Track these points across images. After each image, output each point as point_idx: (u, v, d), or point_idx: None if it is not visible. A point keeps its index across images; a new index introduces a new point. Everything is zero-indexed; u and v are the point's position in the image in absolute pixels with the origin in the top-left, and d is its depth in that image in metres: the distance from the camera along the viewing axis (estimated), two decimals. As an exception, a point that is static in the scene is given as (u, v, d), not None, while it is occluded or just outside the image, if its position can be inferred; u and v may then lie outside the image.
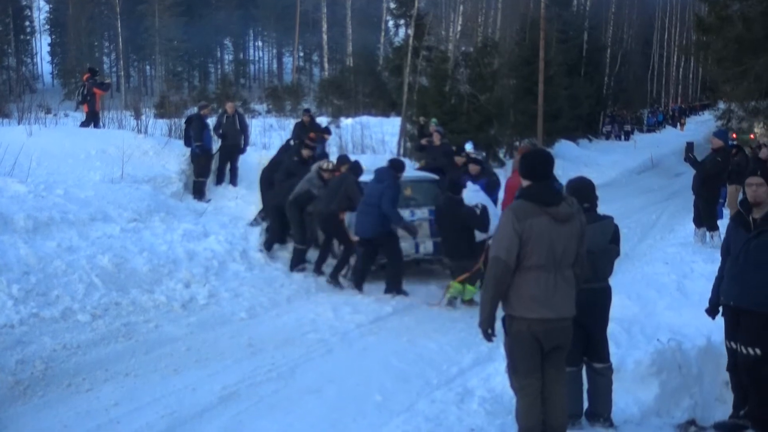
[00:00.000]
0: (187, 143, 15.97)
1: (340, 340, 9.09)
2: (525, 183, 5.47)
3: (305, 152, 13.52)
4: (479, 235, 10.88)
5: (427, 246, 12.16)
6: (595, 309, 6.15)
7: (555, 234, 5.28)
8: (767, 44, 21.13)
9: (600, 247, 6.14)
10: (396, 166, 11.60)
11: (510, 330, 5.43)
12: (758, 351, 6.10)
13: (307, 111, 20.47)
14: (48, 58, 76.06)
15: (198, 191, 15.32)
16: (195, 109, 18.41)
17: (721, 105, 36.19)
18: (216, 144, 16.12)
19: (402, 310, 10.53)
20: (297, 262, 12.22)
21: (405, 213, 11.77)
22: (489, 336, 5.44)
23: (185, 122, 16.68)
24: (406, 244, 11.72)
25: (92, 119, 18.76)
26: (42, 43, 76.40)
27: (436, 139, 16.66)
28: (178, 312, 9.80)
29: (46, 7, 76.82)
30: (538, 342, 5.39)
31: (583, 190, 6.38)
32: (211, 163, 15.90)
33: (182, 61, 73.61)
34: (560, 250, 5.31)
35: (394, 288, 11.22)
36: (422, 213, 12.24)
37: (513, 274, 5.28)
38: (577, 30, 48.44)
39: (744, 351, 6.19)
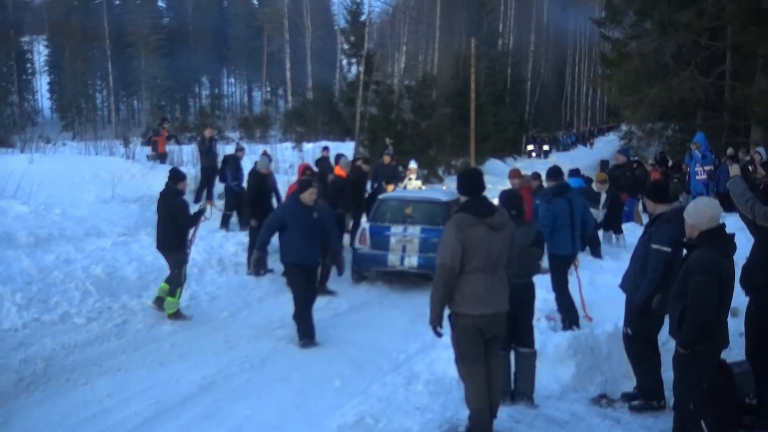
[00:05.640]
0: (222, 179, 15.41)
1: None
2: (463, 198, 5.51)
3: None
4: None
5: (411, 260, 11.35)
6: (520, 301, 6.19)
7: (491, 240, 5.33)
8: (659, 76, 21.60)
9: (523, 248, 6.21)
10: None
11: (456, 325, 5.43)
12: (629, 330, 6.30)
13: (326, 148, 19.52)
14: (47, 95, 74.62)
15: (224, 223, 14.41)
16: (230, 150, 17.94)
17: (624, 127, 36.83)
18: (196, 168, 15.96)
19: (358, 307, 10.50)
20: None
21: (398, 229, 11.57)
22: (439, 333, 5.43)
23: (222, 162, 15.81)
24: (392, 256, 11.41)
25: (158, 157, 19.10)
26: (42, 82, 75.01)
27: (387, 160, 16.70)
28: (163, 314, 9.62)
29: (45, 51, 75.46)
30: (481, 333, 5.41)
31: (513, 199, 6.54)
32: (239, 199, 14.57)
33: (165, 96, 72.68)
34: (496, 254, 5.36)
35: None
36: (414, 230, 11.55)
37: (457, 277, 5.30)
38: (502, 65, 49.08)
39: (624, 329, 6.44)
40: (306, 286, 8.75)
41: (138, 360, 7.88)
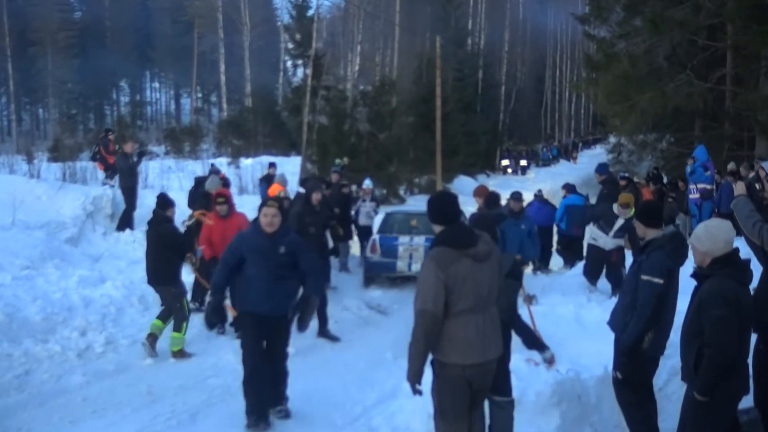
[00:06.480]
0: (191, 205, 15.27)
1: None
2: (437, 228, 5.39)
3: None
4: None
5: (418, 266, 13.12)
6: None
7: (478, 274, 5.18)
8: (651, 80, 21.95)
9: None
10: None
11: (441, 375, 5.28)
12: (619, 374, 6.28)
13: (272, 165, 19.99)
14: (-66, 102, 73.58)
15: None
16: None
17: (612, 139, 37.40)
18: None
19: (306, 351, 10.40)
20: None
21: (405, 239, 14.79)
22: (418, 391, 5.23)
23: (195, 181, 16.23)
24: (401, 263, 14.53)
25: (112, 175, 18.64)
26: (-72, 86, 73.89)
27: (334, 179, 16.78)
28: (73, 361, 9.48)
29: (-69, 50, 74.47)
30: (469, 386, 5.29)
31: (484, 222, 6.49)
32: None
33: (77, 104, 72.08)
34: (485, 289, 5.22)
35: None
36: (419, 239, 14.62)
37: (442, 323, 5.13)
38: (472, 68, 49.59)
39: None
40: (258, 348, 7.58)
41: (43, 417, 7.72)
